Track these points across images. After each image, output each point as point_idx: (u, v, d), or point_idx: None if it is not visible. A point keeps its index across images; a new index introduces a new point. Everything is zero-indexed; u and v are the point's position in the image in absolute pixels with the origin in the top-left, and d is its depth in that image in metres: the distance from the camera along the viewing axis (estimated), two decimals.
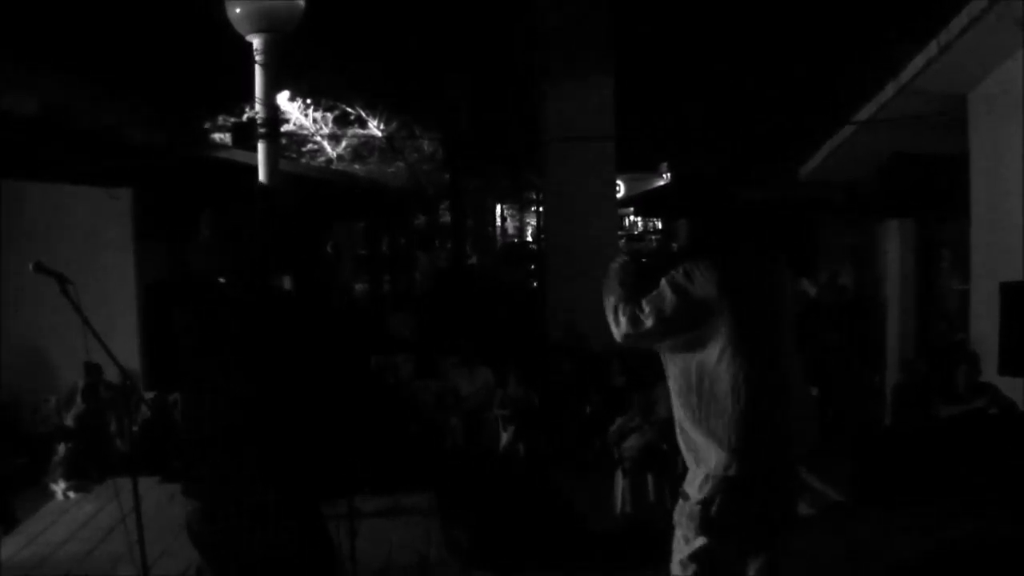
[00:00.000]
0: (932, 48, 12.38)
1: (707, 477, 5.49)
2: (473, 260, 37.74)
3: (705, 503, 5.48)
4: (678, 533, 5.62)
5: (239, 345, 4.64)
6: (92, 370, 13.29)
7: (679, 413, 5.64)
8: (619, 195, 28.99)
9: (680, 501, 5.65)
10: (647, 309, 5.54)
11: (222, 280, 4.89)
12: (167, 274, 15.90)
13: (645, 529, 9.65)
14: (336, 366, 4.86)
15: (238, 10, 11.55)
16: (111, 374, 7.08)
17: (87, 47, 17.06)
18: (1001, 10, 10.98)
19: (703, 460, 5.52)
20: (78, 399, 13.52)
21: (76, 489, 12.10)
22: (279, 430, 4.57)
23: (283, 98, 24.07)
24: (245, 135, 15.40)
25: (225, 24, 12.62)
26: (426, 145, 30.28)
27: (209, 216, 4.90)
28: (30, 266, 6.17)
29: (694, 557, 5.53)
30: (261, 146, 11.77)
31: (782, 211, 19.12)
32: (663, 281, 5.56)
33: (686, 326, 5.48)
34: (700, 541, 5.50)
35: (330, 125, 27.58)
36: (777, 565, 5.68)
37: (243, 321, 4.70)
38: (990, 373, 11.29)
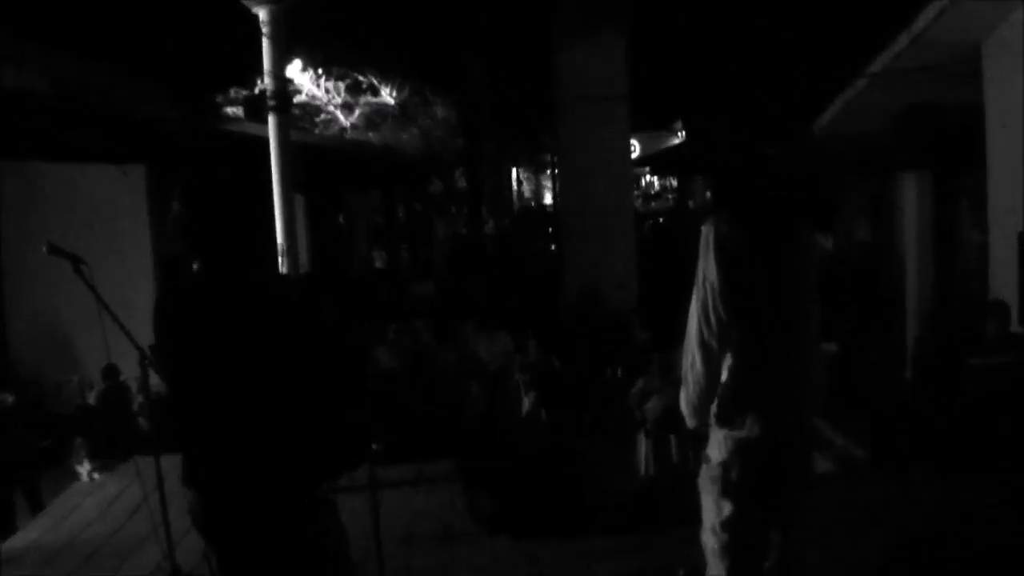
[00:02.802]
0: None
1: (724, 438, 5.50)
2: (490, 224, 37.73)
3: (725, 465, 5.49)
4: (706, 499, 5.62)
5: (218, 338, 4.54)
6: (110, 372, 13.32)
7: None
8: (634, 154, 28.94)
9: (703, 466, 5.66)
10: (687, 376, 5.59)
11: (195, 265, 4.73)
12: (175, 249, 15.93)
13: (669, 490, 9.64)
14: (319, 352, 4.73)
15: None
16: (129, 357, 7.03)
17: (97, 23, 17.04)
18: None
19: (719, 422, 5.53)
20: (99, 378, 13.56)
21: (100, 469, 12.12)
22: (269, 419, 4.51)
23: (295, 69, 24.07)
24: (258, 108, 15.37)
25: None
26: (439, 111, 30.25)
27: (182, 189, 4.73)
28: (44, 248, 6.17)
29: (725, 525, 5.54)
30: (272, 119, 11.72)
31: (798, 165, 19.05)
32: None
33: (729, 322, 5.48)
34: (728, 508, 5.50)
35: (343, 94, 27.56)
36: (797, 526, 5.68)
37: (218, 313, 4.59)
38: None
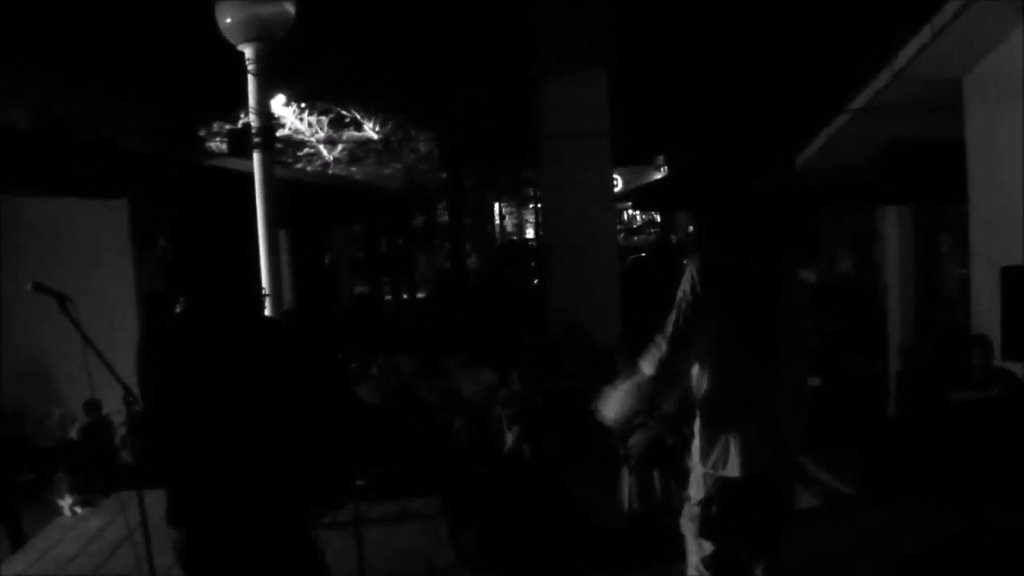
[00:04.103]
0: (926, 33, 12.36)
1: (705, 476, 5.50)
2: (473, 259, 37.77)
3: (704, 503, 5.49)
4: (689, 537, 5.63)
5: (208, 373, 4.54)
6: (92, 407, 13.28)
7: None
8: (617, 188, 29.00)
9: (685, 504, 5.67)
10: (658, 340, 5.53)
11: (182, 299, 4.75)
12: (158, 284, 15.89)
13: (653, 525, 9.64)
14: (307, 385, 4.74)
15: (228, 20, 11.48)
16: (112, 393, 7.03)
17: (80, 56, 17.04)
18: None
19: (701, 459, 5.53)
20: (82, 412, 13.51)
21: (82, 504, 12.07)
22: (257, 454, 4.51)
23: (278, 103, 24.09)
24: (241, 143, 15.38)
25: (218, 30, 12.59)
26: (422, 145, 30.31)
27: (169, 226, 4.75)
28: (28, 286, 6.16)
29: (707, 563, 5.54)
30: (256, 155, 11.72)
31: (781, 200, 19.12)
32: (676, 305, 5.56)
33: (698, 329, 5.47)
34: (709, 547, 5.50)
35: (325, 129, 27.60)
36: (780, 562, 5.68)
37: (207, 349, 4.60)
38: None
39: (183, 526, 4.61)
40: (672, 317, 5.50)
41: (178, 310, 4.74)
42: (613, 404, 5.82)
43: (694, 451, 5.59)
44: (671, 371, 5.58)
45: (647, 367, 5.57)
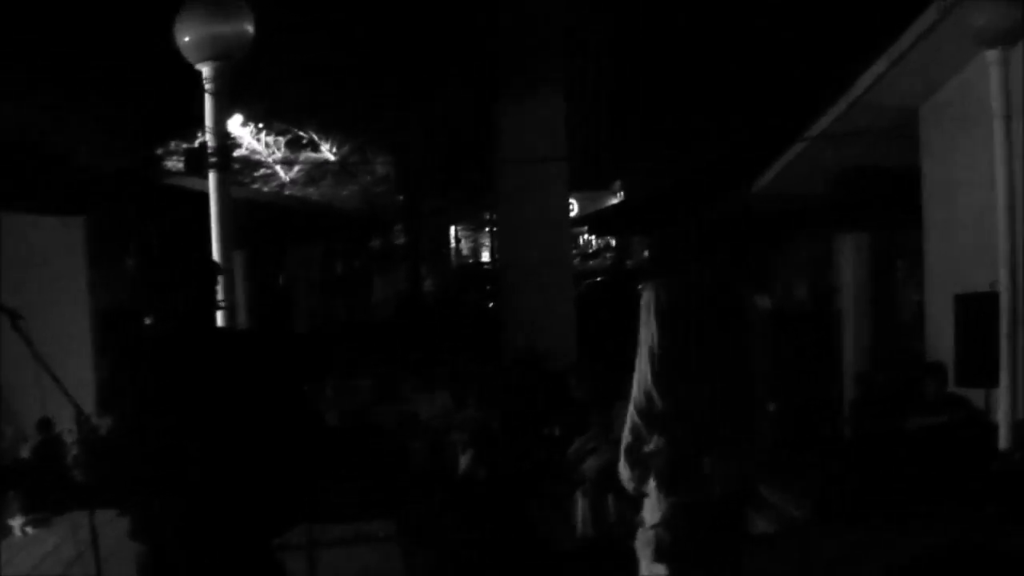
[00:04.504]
0: (882, 63, 12.44)
1: (659, 500, 5.50)
2: (429, 282, 37.75)
3: (661, 528, 5.49)
4: (642, 562, 5.63)
5: (178, 390, 4.55)
6: (44, 425, 13.18)
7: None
8: (573, 213, 29.04)
9: (639, 528, 5.67)
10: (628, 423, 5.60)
11: (148, 318, 4.79)
12: (122, 302, 15.80)
13: (607, 550, 9.62)
14: (273, 400, 4.76)
15: (187, 38, 11.40)
16: (64, 412, 6.98)
17: (36, 72, 16.94)
18: (951, 24, 11.04)
19: (657, 483, 5.53)
20: (34, 431, 13.41)
21: (34, 524, 11.97)
22: (225, 469, 4.51)
23: (235, 123, 24.03)
24: (197, 161, 15.30)
25: (176, 48, 12.52)
26: (379, 168, 30.28)
27: (135, 245, 4.79)
28: None
29: None
30: (212, 176, 11.65)
31: (736, 227, 19.18)
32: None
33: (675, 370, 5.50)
34: (659, 569, 5.50)
35: (282, 149, 27.55)
36: None
37: (181, 364, 4.61)
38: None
39: (148, 540, 4.60)
40: (643, 399, 5.52)
41: (147, 325, 4.75)
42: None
43: (653, 477, 5.58)
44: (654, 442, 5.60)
45: (624, 472, 5.65)
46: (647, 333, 5.51)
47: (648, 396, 5.49)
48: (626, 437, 5.65)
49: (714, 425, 5.47)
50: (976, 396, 10.92)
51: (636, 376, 5.57)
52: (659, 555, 5.50)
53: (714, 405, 5.49)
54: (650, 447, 5.52)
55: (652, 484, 5.58)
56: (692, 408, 5.45)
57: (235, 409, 4.54)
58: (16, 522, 11.95)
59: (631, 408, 5.58)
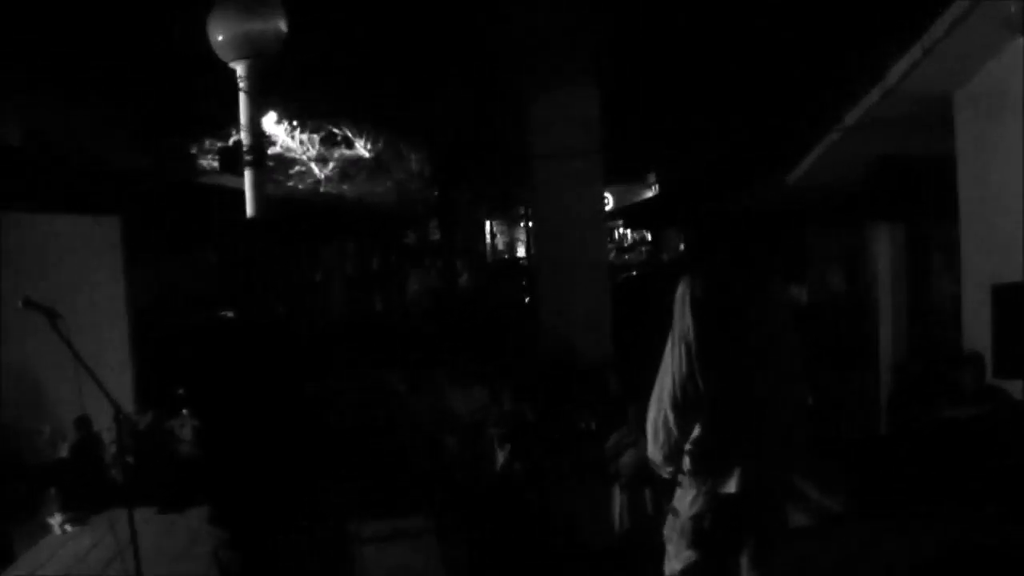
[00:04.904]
0: (916, 51, 12.35)
1: (698, 492, 5.51)
2: (464, 277, 37.75)
3: (696, 518, 5.50)
4: (670, 549, 5.64)
5: (266, 376, 4.67)
6: (82, 424, 13.24)
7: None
8: (608, 207, 29.00)
9: (670, 517, 5.67)
10: (657, 420, 5.61)
11: (229, 309, 4.92)
12: (158, 300, 15.87)
13: (643, 544, 9.62)
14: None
15: (220, 37, 11.49)
16: (102, 410, 7.03)
17: (73, 72, 17.00)
18: (985, 10, 10.96)
19: (694, 475, 5.53)
20: (72, 429, 13.47)
21: (73, 522, 12.04)
22: (305, 457, 4.61)
23: (269, 121, 24.07)
24: (232, 160, 15.37)
25: (210, 47, 12.57)
26: (414, 163, 30.28)
27: (219, 242, 5.00)
28: (19, 303, 6.16)
29: (684, 573, 5.55)
30: (248, 173, 11.71)
31: (770, 218, 19.12)
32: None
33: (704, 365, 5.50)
34: (688, 554, 5.51)
35: (317, 146, 27.57)
36: None
37: (267, 352, 4.74)
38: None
39: (226, 526, 4.70)
40: (675, 390, 5.53)
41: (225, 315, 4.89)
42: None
43: (686, 466, 5.59)
44: (687, 432, 5.60)
45: (657, 457, 5.65)
46: (683, 326, 5.51)
47: (683, 388, 5.49)
48: (658, 430, 5.66)
49: (747, 420, 5.47)
50: (1014, 388, 10.85)
51: (670, 368, 5.58)
52: (694, 542, 5.52)
53: (747, 400, 5.49)
54: (677, 435, 5.53)
55: (685, 473, 5.60)
56: (725, 401, 5.45)
57: (292, 397, 4.66)
58: (55, 520, 12.02)
59: (666, 399, 5.59)
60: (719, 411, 5.47)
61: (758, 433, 5.49)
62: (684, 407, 5.49)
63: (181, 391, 5.37)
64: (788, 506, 5.93)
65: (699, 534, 5.51)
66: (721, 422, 5.48)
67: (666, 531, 5.73)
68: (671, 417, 5.52)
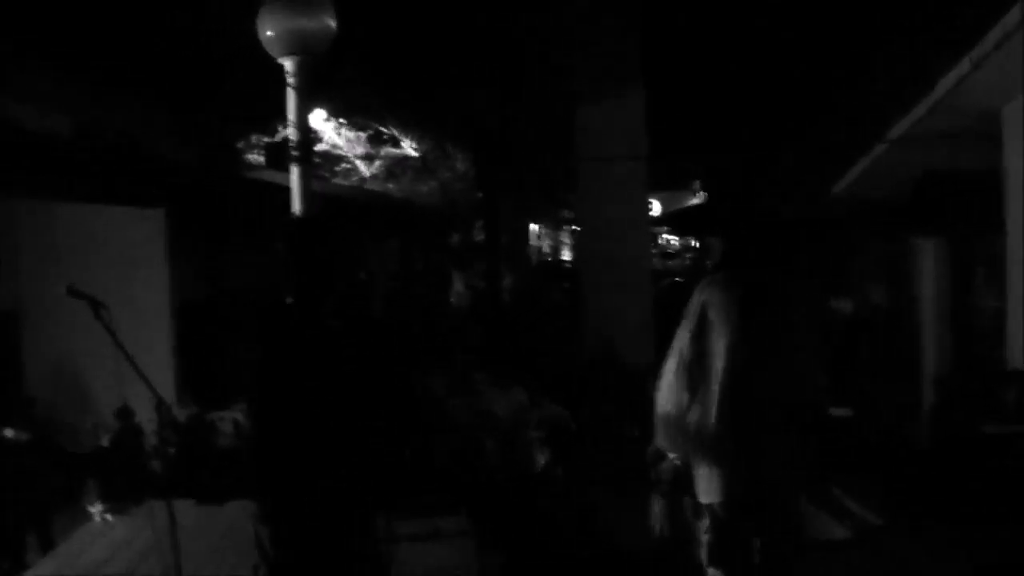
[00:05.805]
0: (965, 64, 12.31)
1: (716, 499, 5.54)
2: (507, 279, 37.75)
3: (705, 532, 5.54)
4: (701, 553, 5.69)
5: (330, 370, 4.72)
6: (124, 414, 13.31)
7: None
8: (653, 213, 28.94)
9: (697, 522, 5.73)
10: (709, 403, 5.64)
11: (289, 299, 4.99)
12: (202, 293, 15.94)
13: (681, 552, 9.61)
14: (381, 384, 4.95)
15: (269, 32, 11.48)
16: (144, 401, 7.08)
17: (120, 65, 17.08)
18: None
19: (714, 480, 5.56)
20: (114, 420, 13.55)
21: (113, 511, 12.11)
22: (359, 453, 4.64)
23: (317, 118, 24.14)
24: (278, 155, 15.39)
25: (258, 42, 12.59)
26: (459, 164, 30.30)
27: (285, 233, 5.02)
28: (64, 290, 6.19)
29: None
30: (294, 169, 11.72)
31: (814, 229, 19.08)
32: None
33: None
34: (714, 572, 5.54)
35: (364, 145, 27.62)
36: None
37: (332, 346, 4.78)
38: None
39: (272, 525, 4.74)
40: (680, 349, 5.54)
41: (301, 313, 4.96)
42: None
43: (695, 455, 5.65)
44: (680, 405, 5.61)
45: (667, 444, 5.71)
46: (721, 325, 5.52)
47: (688, 368, 5.52)
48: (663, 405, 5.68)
49: (757, 410, 5.47)
50: None
51: (719, 365, 5.58)
52: (711, 559, 5.55)
53: (759, 388, 5.49)
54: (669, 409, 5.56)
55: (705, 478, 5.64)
56: (735, 388, 5.45)
57: (352, 392, 4.72)
58: (95, 509, 12.09)
59: (716, 397, 5.59)
60: (729, 396, 5.47)
61: (767, 427, 5.49)
62: (720, 411, 5.50)
63: (242, 382, 5.45)
64: (827, 519, 5.95)
65: (712, 550, 5.54)
66: (730, 409, 5.48)
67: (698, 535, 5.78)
68: (664, 394, 5.57)
